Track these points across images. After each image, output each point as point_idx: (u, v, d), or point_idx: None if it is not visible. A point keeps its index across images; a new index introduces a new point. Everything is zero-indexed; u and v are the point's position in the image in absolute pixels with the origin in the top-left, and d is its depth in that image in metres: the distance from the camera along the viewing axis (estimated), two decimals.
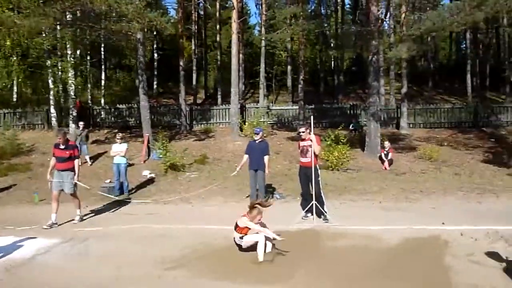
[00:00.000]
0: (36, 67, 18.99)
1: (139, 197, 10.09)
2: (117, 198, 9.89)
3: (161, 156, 13.23)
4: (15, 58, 17.34)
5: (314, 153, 7.09)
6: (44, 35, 17.52)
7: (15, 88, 21.06)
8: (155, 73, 29.27)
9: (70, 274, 4.79)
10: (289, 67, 23.27)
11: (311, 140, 7.10)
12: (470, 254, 5.13)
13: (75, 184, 7.38)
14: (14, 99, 21.68)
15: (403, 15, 16.69)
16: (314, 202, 6.94)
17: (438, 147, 15.05)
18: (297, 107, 19.52)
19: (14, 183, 12.02)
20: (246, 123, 17.17)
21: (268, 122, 18.79)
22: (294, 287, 4.28)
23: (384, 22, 16.79)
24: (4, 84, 17.91)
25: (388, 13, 16.88)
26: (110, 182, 10.65)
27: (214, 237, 6.28)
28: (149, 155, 14.43)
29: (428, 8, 17.46)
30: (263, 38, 21.61)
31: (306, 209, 7.15)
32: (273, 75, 28.64)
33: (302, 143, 7.37)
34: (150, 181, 11.95)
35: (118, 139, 10.69)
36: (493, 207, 8.01)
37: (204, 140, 16.92)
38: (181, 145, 15.78)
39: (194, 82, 25.35)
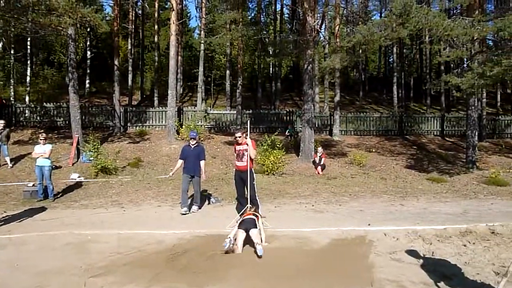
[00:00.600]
0: None
1: (66, 202, 9.51)
2: (40, 202, 9.28)
3: (91, 158, 12.62)
4: None
5: (250, 157, 7.19)
6: None
7: None
8: (88, 71, 27.89)
9: None
10: (227, 72, 23.32)
11: (247, 144, 7.19)
12: (392, 252, 5.52)
13: None
14: None
15: (337, 27, 17.59)
16: (249, 205, 7.02)
17: (367, 153, 15.98)
18: (235, 111, 19.64)
19: None
20: (183, 126, 16.93)
21: (206, 126, 18.70)
22: None
23: (320, 33, 17.53)
24: None
25: (324, 25, 17.67)
26: (33, 185, 9.92)
27: (146, 241, 6.12)
28: (78, 158, 13.67)
29: (359, 23, 18.52)
30: (202, 41, 21.49)
31: (241, 212, 7.19)
32: (212, 79, 28.61)
33: (238, 147, 7.44)
34: (79, 185, 11.33)
35: (41, 139, 10.02)
36: (413, 209, 8.67)
37: (139, 142, 16.40)
38: (114, 147, 15.19)
39: (129, 83, 24.46)
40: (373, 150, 16.99)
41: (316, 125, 18.13)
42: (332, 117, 19.67)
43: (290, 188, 11.07)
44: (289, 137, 18.20)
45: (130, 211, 8.61)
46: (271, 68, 32.12)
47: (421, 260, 5.19)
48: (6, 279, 4.59)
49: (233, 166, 13.71)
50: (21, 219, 7.74)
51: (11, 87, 21.96)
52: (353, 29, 14.32)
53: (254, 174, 7.45)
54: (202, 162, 8.35)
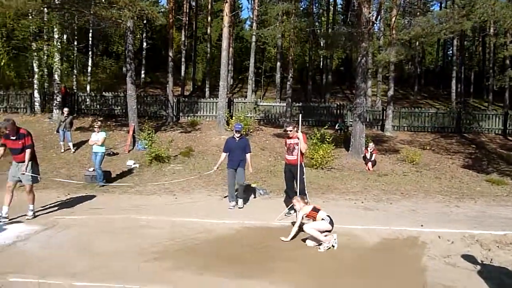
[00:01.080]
0: (21, 50, 18.59)
1: (122, 187, 10.01)
2: (100, 187, 9.87)
3: (146, 146, 13.15)
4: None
5: (300, 151, 7.15)
6: (30, 17, 17.17)
7: None
8: (143, 62, 28.99)
9: (50, 261, 4.75)
10: (278, 64, 23.26)
11: (298, 138, 7.16)
12: (446, 256, 5.29)
13: (34, 177, 6.65)
14: None
15: (393, 19, 16.90)
16: (297, 196, 7.00)
17: (421, 151, 15.33)
18: (284, 104, 19.59)
19: None
20: (233, 118, 17.15)
21: (255, 118, 18.80)
22: (273, 282, 4.33)
23: (375, 25, 16.96)
24: None
25: (379, 16, 17.05)
26: (93, 170, 10.53)
27: (197, 230, 6.31)
28: (134, 145, 14.32)
29: (418, 14, 17.67)
30: (254, 33, 21.56)
31: (290, 206, 7.22)
32: (263, 70, 28.62)
33: (289, 141, 7.43)
34: (134, 171, 11.88)
35: (96, 127, 10.65)
36: (470, 212, 8.22)
37: (190, 132, 16.86)
38: (166, 136, 15.72)
39: (182, 74, 25.14)
40: (428, 148, 16.26)
41: (368, 120, 17.65)
42: (384, 112, 19.05)
43: (339, 183, 10.90)
44: (339, 131, 17.88)
45: (181, 199, 8.91)
46: (321, 61, 31.65)
47: (478, 266, 4.93)
48: (71, 258, 4.93)
49: (281, 159, 13.78)
50: (82, 202, 8.26)
51: (74, 77, 23.36)
52: (411, 21, 13.68)
53: (304, 168, 7.40)
54: (248, 155, 8.03)
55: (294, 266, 4.86)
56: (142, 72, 28.71)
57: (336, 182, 10.99)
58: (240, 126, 8.24)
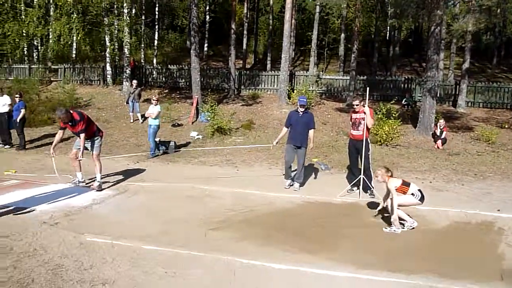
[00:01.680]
0: (94, 25, 19.58)
1: (186, 157, 10.37)
2: (167, 156, 10.30)
3: (208, 118, 13.43)
4: (75, 15, 17.91)
5: (367, 126, 6.86)
6: None
7: (74, 44, 21.92)
8: (206, 35, 29.28)
9: (122, 224, 5.06)
10: (342, 35, 22.35)
11: (364, 113, 6.86)
12: None
13: (100, 145, 6.97)
14: (74, 55, 22.65)
15: None
16: (362, 176, 6.80)
17: (498, 129, 14.12)
18: (348, 77, 18.89)
19: (71, 135, 12.71)
20: (295, 91, 16.90)
21: (317, 91, 18.37)
22: (336, 259, 4.26)
23: None
24: (65, 40, 18.64)
25: None
26: (159, 140, 10.98)
27: (258, 202, 6.38)
28: (197, 117, 14.70)
29: None
30: (318, 3, 20.77)
31: (353, 182, 7.03)
32: (326, 42, 27.69)
33: (354, 115, 7.14)
34: (197, 142, 12.23)
35: (153, 100, 10.86)
36: None
37: (252, 105, 16.93)
38: (228, 109, 15.92)
39: (244, 47, 25.10)
40: (506, 126, 14.91)
41: (438, 95, 16.50)
42: (458, 86, 17.68)
43: (405, 161, 10.40)
44: (406, 106, 16.95)
45: (243, 171, 9.03)
46: (388, 32, 29.91)
47: None
48: (141, 222, 5.22)
49: (344, 134, 13.45)
50: (150, 170, 8.68)
51: (142, 50, 24.27)
52: None
53: (370, 145, 7.12)
54: (311, 131, 7.38)
55: (358, 245, 4.75)
56: (205, 45, 29.07)
57: (402, 160, 10.49)
58: (304, 100, 7.59)
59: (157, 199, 6.38)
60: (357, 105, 7.02)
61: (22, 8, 20.31)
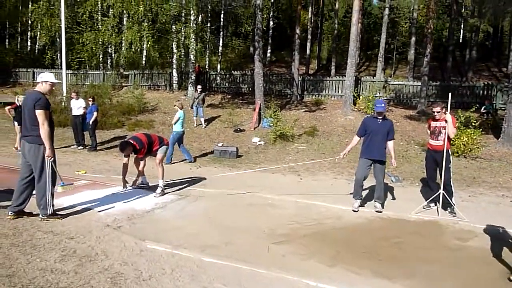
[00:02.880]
0: (163, 32, 20.30)
1: (248, 163, 10.18)
2: (228, 161, 10.18)
3: (271, 124, 13.19)
4: (146, 23, 18.69)
5: (448, 136, 6.15)
6: (171, 2, 18.53)
7: (144, 52, 22.96)
8: (269, 41, 29.28)
9: (183, 231, 4.90)
10: (413, 39, 21.10)
11: (445, 121, 6.15)
12: None
13: (164, 152, 6.87)
14: (143, 62, 23.74)
15: None
16: (441, 191, 6.10)
17: None
18: (418, 83, 17.72)
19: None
20: (360, 97, 16.15)
21: (385, 98, 17.43)
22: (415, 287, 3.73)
23: None
24: (136, 47, 19.53)
25: None
26: (222, 145, 10.92)
27: (324, 215, 5.95)
28: (259, 123, 14.53)
29: None
30: (387, 5, 19.80)
31: (432, 198, 6.33)
32: (395, 46, 26.42)
33: (434, 123, 6.43)
34: (259, 148, 12.02)
35: (176, 105, 10.30)
36: None
37: (315, 111, 16.44)
38: (291, 114, 15.60)
39: (307, 52, 24.68)
40: None
41: None
42: None
43: (488, 175, 9.34)
44: (485, 114, 15.47)
45: (306, 180, 8.63)
46: (461, 34, 27.86)
47: None
48: (202, 230, 5.03)
49: (414, 143, 12.52)
50: (212, 175, 8.58)
51: (206, 56, 24.81)
52: None
53: (451, 156, 6.38)
54: (391, 143, 6.27)
55: (439, 270, 4.14)
56: (268, 51, 29.09)
57: (484, 174, 9.44)
58: (383, 105, 6.30)
59: (218, 206, 6.19)
60: (437, 112, 6.31)
61: (99, 18, 21.65)
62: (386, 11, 20.62)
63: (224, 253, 4.26)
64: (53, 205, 4.96)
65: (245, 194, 6.96)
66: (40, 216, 4.92)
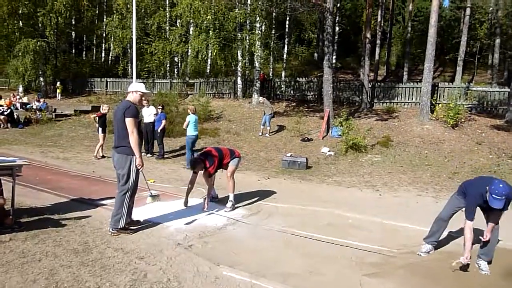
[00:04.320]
0: (228, 40, 20.33)
1: (319, 176, 9.53)
2: (297, 172, 9.59)
3: (341, 133, 12.42)
4: (212, 32, 18.82)
5: None
6: (237, 9, 18.50)
7: (209, 60, 23.22)
8: (335, 47, 28.37)
9: (259, 254, 4.40)
10: (497, 41, 19.14)
11: None
12: None
13: (236, 165, 6.41)
14: (208, 70, 24.01)
15: None
16: None
17: None
18: (506, 89, 15.93)
19: (204, 146, 12.99)
20: (439, 105, 14.79)
21: (466, 106, 15.85)
22: None
23: None
24: (202, 56, 19.75)
25: None
26: (291, 155, 10.38)
27: (416, 240, 5.12)
28: (327, 132, 13.80)
29: None
30: (469, 5, 18.13)
31: None
32: (478, 49, 24.29)
33: None
34: (329, 159, 11.31)
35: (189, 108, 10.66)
36: None
37: (387, 120, 15.33)
38: (360, 123, 14.66)
39: (376, 57, 23.45)
40: None
41: None
42: None
43: None
44: None
45: (386, 196, 7.80)
46: None
47: None
48: (281, 253, 4.50)
49: (506, 157, 11.07)
50: (281, 188, 8.05)
51: (270, 64, 24.52)
52: None
53: None
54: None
55: None
56: (334, 57, 28.18)
57: None
58: (503, 198, 3.93)
59: (294, 224, 5.61)
60: None
61: (167, 28, 22.24)
62: (468, 11, 18.88)
63: (309, 285, 3.68)
64: (126, 219, 4.77)
65: (322, 211, 6.33)
66: (110, 229, 4.72)
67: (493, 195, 3.90)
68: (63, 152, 11.85)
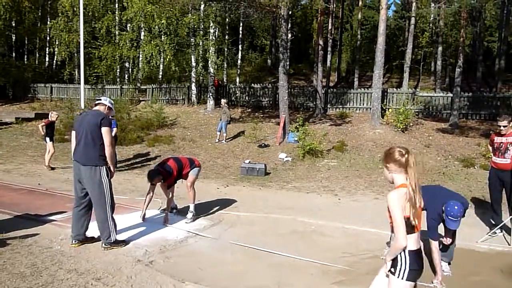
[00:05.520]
0: (182, 46, 19.97)
1: (278, 182, 9.50)
2: (256, 179, 9.49)
3: (297, 139, 12.52)
4: (166, 37, 18.39)
5: None
6: (190, 15, 18.24)
7: (161, 66, 22.65)
8: (288, 54, 28.82)
9: (224, 268, 4.22)
10: (439, 48, 20.31)
11: None
12: None
13: (196, 174, 6.16)
14: (160, 76, 23.41)
15: None
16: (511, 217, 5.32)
17: None
18: (448, 94, 16.92)
19: (159, 154, 12.59)
20: (389, 110, 15.39)
21: (414, 110, 16.61)
22: None
23: None
24: (154, 61, 19.22)
25: None
26: (249, 162, 10.28)
27: (378, 244, 5.19)
28: (284, 137, 13.87)
29: None
30: (414, 15, 19.11)
31: (500, 226, 5.55)
32: (422, 57, 25.66)
33: (499, 139, 5.70)
34: (287, 165, 11.33)
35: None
36: None
37: (340, 125, 15.72)
38: (315, 128, 14.89)
39: (328, 64, 24.06)
40: None
41: None
42: None
43: None
44: None
45: (345, 201, 7.90)
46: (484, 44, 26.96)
47: None
48: (246, 266, 4.34)
49: (453, 158, 11.68)
50: (241, 196, 7.91)
51: (225, 70, 24.40)
52: None
53: None
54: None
55: None
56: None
57: None
58: (458, 220, 4.09)
59: (257, 234, 5.49)
60: (504, 126, 5.57)
61: (117, 32, 21.45)
62: (413, 21, 19.82)
63: None
64: (115, 231, 4.58)
65: (284, 219, 6.26)
66: (103, 245, 4.50)
67: (449, 217, 4.00)
68: (4, 164, 10.96)
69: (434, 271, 4.07)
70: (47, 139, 10.37)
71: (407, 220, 2.32)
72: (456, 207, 3.95)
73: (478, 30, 22.81)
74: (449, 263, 4.47)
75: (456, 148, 12.63)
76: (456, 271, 4.37)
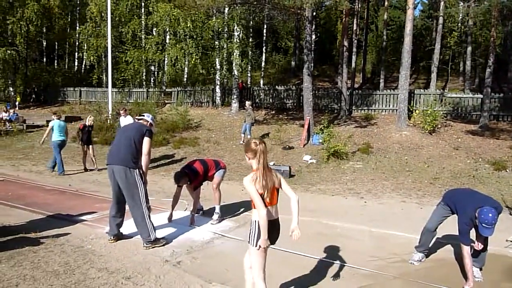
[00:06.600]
0: (206, 49, 20.21)
1: (303, 184, 9.46)
2: None
3: (321, 141, 12.44)
4: (191, 40, 18.65)
5: None
6: (214, 18, 18.43)
7: (186, 69, 22.98)
8: (312, 55, 28.67)
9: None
10: (469, 48, 19.75)
11: None
12: None
13: (222, 176, 6.20)
14: (185, 79, 23.75)
15: None
16: None
17: None
18: (478, 95, 16.43)
19: (184, 156, 12.77)
20: (416, 111, 15.08)
21: (442, 112, 16.21)
22: None
23: None
24: (179, 65, 19.53)
25: None
26: (274, 164, 10.28)
27: (405, 247, 5.09)
28: (308, 139, 13.80)
29: None
30: (442, 14, 18.67)
31: None
32: (450, 57, 25.03)
33: None
34: (311, 167, 11.27)
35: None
36: None
37: (366, 127, 15.51)
38: (340, 130, 14.75)
39: (353, 65, 23.79)
40: None
41: None
42: None
43: None
44: None
45: (371, 204, 7.79)
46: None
47: None
48: (273, 267, 4.33)
49: (483, 161, 11.33)
50: None
51: (249, 72, 24.50)
52: None
53: None
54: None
55: None
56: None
57: None
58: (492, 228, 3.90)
59: (282, 236, 5.44)
60: None
61: (143, 36, 21.91)
62: (441, 20, 19.35)
63: None
64: (154, 229, 4.76)
65: (310, 221, 6.23)
66: (144, 244, 4.68)
67: (483, 224, 3.84)
68: (36, 165, 11.37)
69: (465, 276, 3.97)
70: (84, 141, 10.79)
71: (261, 196, 2.89)
72: (490, 214, 3.82)
73: (510, 28, 22.03)
74: (480, 269, 4.35)
75: (487, 151, 12.25)
76: (488, 277, 4.24)
